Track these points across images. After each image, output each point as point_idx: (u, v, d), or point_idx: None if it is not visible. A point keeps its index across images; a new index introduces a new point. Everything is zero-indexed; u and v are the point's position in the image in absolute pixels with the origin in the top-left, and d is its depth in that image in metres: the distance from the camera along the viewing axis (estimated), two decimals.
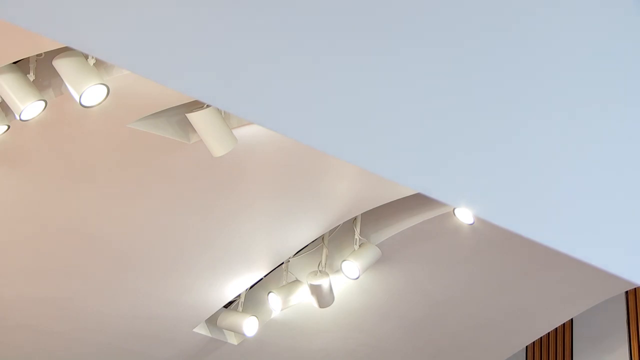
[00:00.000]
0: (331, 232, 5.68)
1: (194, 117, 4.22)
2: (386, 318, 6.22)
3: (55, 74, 4.04)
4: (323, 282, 5.45)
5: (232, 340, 6.27)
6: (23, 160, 4.64)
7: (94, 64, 3.97)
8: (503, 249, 5.56)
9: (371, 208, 5.21)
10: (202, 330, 6.14)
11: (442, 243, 5.54)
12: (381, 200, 5.10)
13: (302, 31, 1.57)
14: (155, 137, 4.47)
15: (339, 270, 5.58)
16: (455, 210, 5.22)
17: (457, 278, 5.88)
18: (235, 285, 5.67)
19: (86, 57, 3.93)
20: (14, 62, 4.04)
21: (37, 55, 4.09)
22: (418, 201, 5.32)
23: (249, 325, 5.77)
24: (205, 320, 6.12)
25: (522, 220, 1.72)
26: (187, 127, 4.52)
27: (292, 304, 5.64)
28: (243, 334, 5.84)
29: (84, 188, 4.84)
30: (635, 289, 6.50)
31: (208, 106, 4.20)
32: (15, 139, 4.42)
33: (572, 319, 6.90)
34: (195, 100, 4.30)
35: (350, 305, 6.00)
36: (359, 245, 5.46)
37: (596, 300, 6.11)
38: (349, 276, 5.47)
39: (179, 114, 4.46)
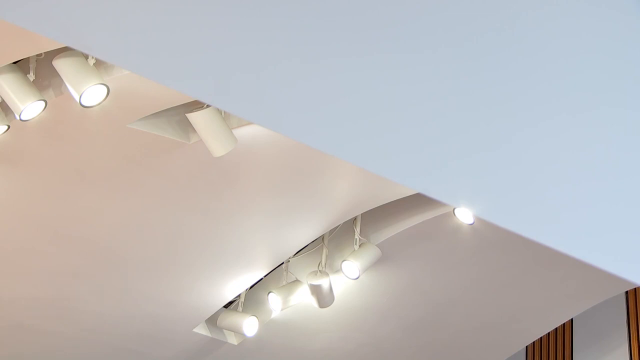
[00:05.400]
0: (331, 232, 5.67)
1: (194, 117, 4.22)
2: (386, 318, 6.22)
3: (55, 74, 4.04)
4: (323, 282, 5.45)
5: (232, 340, 6.27)
6: (23, 160, 4.64)
7: (94, 64, 3.97)
8: (503, 249, 5.55)
9: (371, 208, 5.21)
10: (202, 330, 6.14)
11: (442, 243, 5.54)
12: (381, 200, 5.10)
13: (302, 31, 1.57)
14: (155, 137, 4.47)
15: (339, 270, 5.57)
16: (455, 210, 5.21)
17: (457, 278, 5.88)
18: (235, 285, 5.66)
19: (86, 57, 3.93)
20: (14, 62, 4.04)
21: (37, 55, 4.08)
22: (418, 201, 5.31)
23: (249, 325, 5.77)
24: (205, 320, 6.12)
25: (522, 220, 1.72)
26: (187, 127, 4.52)
27: (292, 304, 5.64)
28: (243, 334, 5.84)
29: (84, 188, 4.84)
30: (635, 289, 6.49)
31: (208, 106, 4.20)
32: (15, 139, 4.42)
33: (572, 319, 6.90)
34: (195, 100, 4.30)
35: (350, 305, 6.00)
36: (359, 245, 5.45)
37: (596, 300, 6.11)
38: (349, 276, 5.47)
39: (179, 114, 4.46)
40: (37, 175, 4.73)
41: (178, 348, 6.25)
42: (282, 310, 5.67)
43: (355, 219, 5.57)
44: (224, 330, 6.21)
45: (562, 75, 1.75)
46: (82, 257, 5.35)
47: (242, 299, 5.95)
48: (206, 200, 4.99)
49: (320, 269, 5.55)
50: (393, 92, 1.63)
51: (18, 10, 1.48)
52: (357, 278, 5.48)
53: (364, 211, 5.28)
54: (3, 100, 4.14)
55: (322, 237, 5.71)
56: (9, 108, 4.16)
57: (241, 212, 5.09)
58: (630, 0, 1.84)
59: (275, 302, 5.59)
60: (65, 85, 3.98)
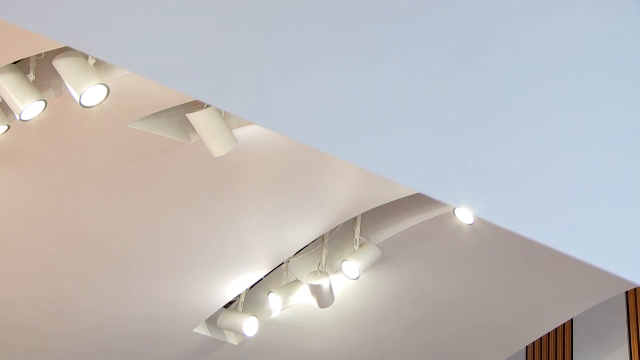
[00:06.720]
0: (331, 232, 5.67)
1: (194, 117, 4.22)
2: (386, 318, 6.22)
3: (55, 74, 4.04)
4: (323, 282, 5.45)
5: (232, 340, 6.27)
6: (23, 161, 4.64)
7: (94, 64, 3.97)
8: (503, 249, 5.55)
9: (371, 208, 5.21)
10: (202, 330, 6.14)
11: (442, 243, 5.54)
12: (381, 200, 5.10)
13: (302, 30, 1.57)
14: (155, 137, 4.47)
15: (339, 270, 5.58)
16: (455, 210, 5.21)
17: (457, 278, 5.88)
18: (235, 285, 5.67)
19: (86, 57, 3.93)
20: (14, 62, 4.04)
21: (37, 55, 4.08)
22: (418, 201, 5.31)
23: (249, 325, 5.77)
24: (205, 320, 6.12)
25: (522, 220, 1.72)
26: (187, 127, 4.52)
27: (292, 304, 5.64)
28: (243, 334, 5.84)
29: (83, 188, 4.84)
30: (635, 289, 6.49)
31: (208, 106, 4.20)
32: (15, 139, 4.42)
33: (572, 319, 6.90)
34: (195, 100, 4.30)
35: (350, 305, 6.00)
36: (359, 245, 5.45)
37: (596, 300, 6.11)
38: (349, 276, 5.47)
39: (179, 114, 4.46)
40: (37, 175, 4.73)
41: (178, 348, 6.25)
42: (282, 310, 5.67)
43: (355, 219, 5.57)
44: (224, 330, 6.22)
45: (562, 76, 1.75)
46: (82, 257, 5.35)
47: (242, 299, 5.95)
48: (206, 200, 4.99)
49: (320, 269, 5.55)
50: (393, 92, 1.63)
51: (18, 10, 1.48)
52: (357, 278, 5.48)
53: (364, 211, 5.28)
54: (3, 100, 4.14)
55: (322, 237, 5.71)
56: (9, 108, 4.16)
57: (241, 212, 5.09)
58: (631, 0, 1.84)
59: (275, 302, 5.59)
60: (65, 85, 3.98)
